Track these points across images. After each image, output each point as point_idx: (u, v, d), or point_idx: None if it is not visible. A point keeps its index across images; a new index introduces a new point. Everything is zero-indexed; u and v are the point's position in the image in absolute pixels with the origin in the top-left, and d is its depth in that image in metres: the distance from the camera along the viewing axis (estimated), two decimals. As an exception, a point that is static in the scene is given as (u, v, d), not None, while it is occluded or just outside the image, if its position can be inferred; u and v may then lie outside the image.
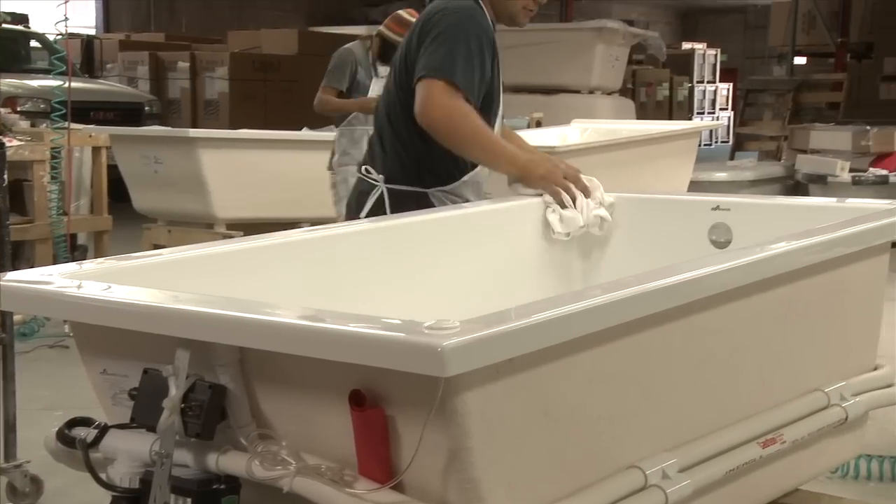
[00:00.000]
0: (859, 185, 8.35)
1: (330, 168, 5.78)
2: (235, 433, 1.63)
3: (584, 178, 2.85)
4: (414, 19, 5.81)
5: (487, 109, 2.84)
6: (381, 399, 1.51)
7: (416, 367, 1.39)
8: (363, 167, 2.98)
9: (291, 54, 11.69)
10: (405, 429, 1.50)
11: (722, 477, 1.89)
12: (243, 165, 6.57)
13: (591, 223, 2.82)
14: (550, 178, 2.81)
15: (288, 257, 2.39)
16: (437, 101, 2.66)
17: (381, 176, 2.90)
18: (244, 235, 2.61)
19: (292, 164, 6.29)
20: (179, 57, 11.71)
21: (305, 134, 6.84)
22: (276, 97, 11.28)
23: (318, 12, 16.93)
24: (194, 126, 10.81)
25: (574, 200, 2.79)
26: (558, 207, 2.83)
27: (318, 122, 5.94)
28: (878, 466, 3.74)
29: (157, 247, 5.89)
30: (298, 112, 7.58)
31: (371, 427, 1.51)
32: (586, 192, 2.81)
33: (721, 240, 2.75)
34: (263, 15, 16.08)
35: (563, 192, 2.79)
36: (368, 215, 2.88)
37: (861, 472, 3.72)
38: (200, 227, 6.63)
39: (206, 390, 1.59)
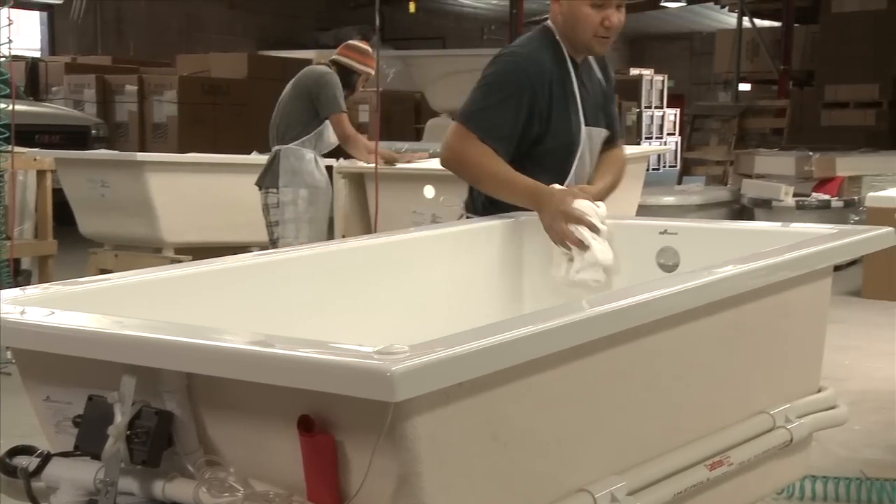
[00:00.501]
0: (803, 210, 8.49)
1: (265, 187, 5.64)
2: (182, 460, 1.61)
3: (593, 208, 2.70)
4: (367, 48, 5.83)
5: (556, 147, 2.90)
6: (330, 424, 1.50)
7: (365, 392, 1.39)
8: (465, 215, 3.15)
9: (241, 78, 11.65)
10: (354, 454, 1.49)
11: (670, 499, 1.91)
12: (192, 189, 6.52)
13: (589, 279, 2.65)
14: (553, 228, 2.72)
15: (237, 282, 2.38)
16: (449, 144, 2.92)
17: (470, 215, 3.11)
18: (193, 260, 2.59)
19: (242, 188, 6.25)
20: (127, 80, 11.62)
21: (255, 158, 6.81)
22: (225, 121, 11.22)
23: (267, 36, 16.92)
24: (142, 150, 10.72)
25: (581, 245, 2.66)
26: (569, 255, 2.73)
27: (267, 147, 5.90)
28: (823, 487, 3.78)
29: (103, 272, 5.82)
30: (248, 136, 7.56)
31: (320, 453, 1.50)
32: (594, 229, 2.66)
33: (669, 263, 2.78)
34: (212, 39, 16.04)
35: (567, 240, 2.67)
36: None
37: (806, 493, 3.76)
38: (148, 251, 6.57)
39: (152, 417, 1.57)
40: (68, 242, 6.99)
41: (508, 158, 2.87)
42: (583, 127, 2.92)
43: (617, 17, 2.82)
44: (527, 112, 2.84)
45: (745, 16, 13.49)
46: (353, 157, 5.77)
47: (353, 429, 1.49)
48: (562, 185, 2.84)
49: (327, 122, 5.59)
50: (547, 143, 2.89)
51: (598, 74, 3.03)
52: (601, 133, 3.03)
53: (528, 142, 2.89)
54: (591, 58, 2.97)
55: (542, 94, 2.84)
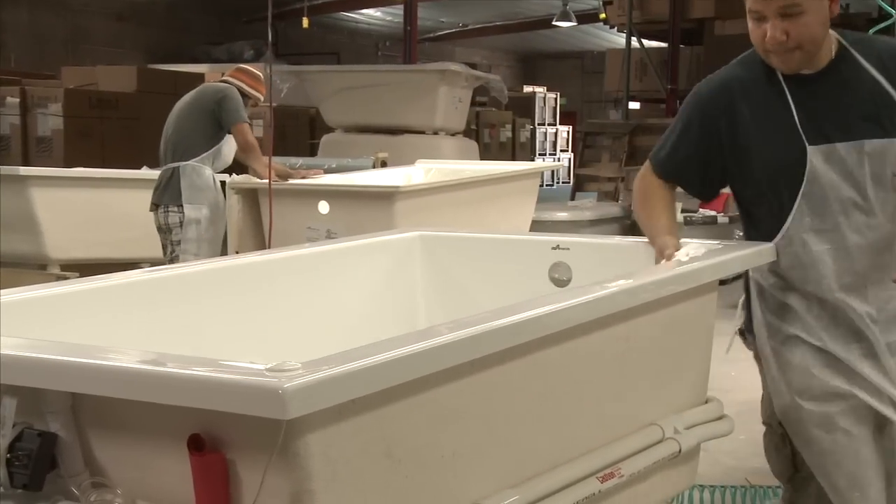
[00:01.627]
0: (690, 225, 8.70)
1: (164, 205, 5.55)
2: (67, 482, 1.57)
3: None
4: (258, 74, 5.79)
5: (765, 179, 2.51)
6: (221, 443, 1.47)
7: (256, 410, 1.37)
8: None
9: (130, 91, 11.42)
10: (246, 473, 1.47)
11: (563, 512, 1.92)
12: (79, 204, 6.36)
13: None
14: None
15: (126, 299, 2.32)
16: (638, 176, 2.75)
17: None
18: (80, 277, 2.52)
19: (131, 204, 6.12)
20: (8, 92, 11.26)
21: (146, 173, 6.68)
22: (114, 135, 10.97)
23: (157, 49, 16.61)
24: (26, 164, 10.41)
25: None
26: None
27: (157, 162, 5.79)
28: (710, 496, 3.87)
29: (-16, 289, 5.62)
30: (139, 150, 7.41)
31: (211, 472, 1.47)
32: None
33: (562, 278, 2.82)
34: (99, 51, 15.67)
35: None
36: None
37: (695, 501, 3.85)
38: (32, 268, 6.38)
39: (34, 439, 1.53)
40: (-53, 259, 6.74)
41: (693, 191, 2.66)
42: (807, 147, 2.43)
43: (776, 29, 2.37)
44: (701, 136, 2.56)
45: (633, 36, 13.80)
46: (245, 174, 5.71)
47: (244, 447, 1.47)
48: (777, 229, 2.48)
49: (226, 139, 5.55)
50: (754, 173, 2.52)
51: (877, 75, 2.46)
52: (872, 148, 2.44)
53: (725, 176, 2.59)
54: (863, 61, 2.47)
55: (720, 117, 2.52)
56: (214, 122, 5.52)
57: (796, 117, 2.44)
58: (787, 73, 2.46)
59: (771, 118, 2.47)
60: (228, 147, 5.61)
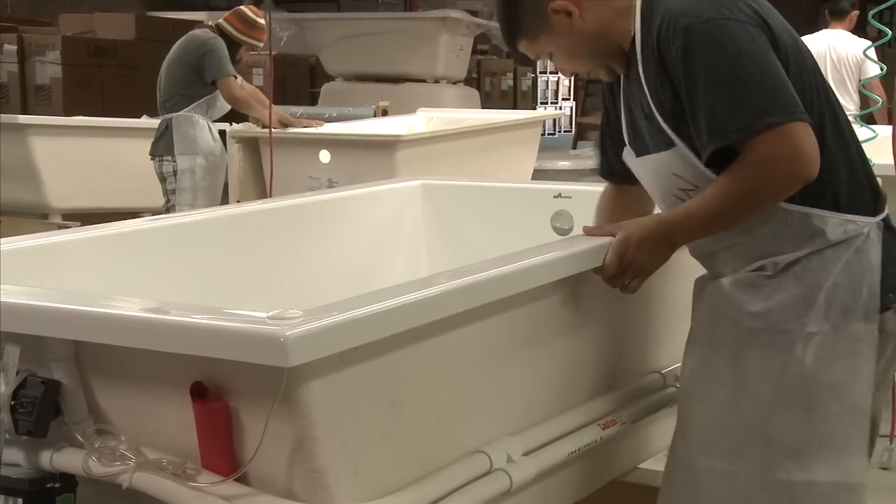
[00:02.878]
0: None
1: (159, 155, 5.52)
2: (71, 429, 1.58)
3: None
4: (256, 20, 5.71)
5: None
6: (223, 391, 1.48)
7: (258, 358, 1.37)
8: None
9: (129, 39, 11.33)
10: (249, 420, 1.48)
11: (565, 459, 1.94)
12: (79, 154, 6.33)
13: None
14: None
15: (128, 248, 2.33)
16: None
17: None
18: (81, 226, 2.52)
19: (132, 153, 6.09)
20: (5, 39, 11.17)
21: (145, 122, 6.65)
22: (113, 83, 10.90)
23: (156, -4, 16.46)
24: (24, 112, 10.36)
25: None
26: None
27: (156, 111, 5.76)
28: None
29: (-14, 238, 5.63)
30: (138, 99, 7.37)
31: (213, 419, 1.48)
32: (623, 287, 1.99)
33: (564, 227, 2.81)
34: (97, -1, 15.53)
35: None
36: None
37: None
38: (34, 217, 6.38)
39: (38, 386, 1.53)
40: (-53, 208, 6.74)
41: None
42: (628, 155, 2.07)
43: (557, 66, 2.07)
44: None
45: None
46: (245, 121, 5.68)
47: (247, 395, 1.47)
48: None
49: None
50: None
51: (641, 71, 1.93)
52: (660, 162, 1.96)
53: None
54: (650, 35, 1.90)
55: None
56: (200, 73, 5.48)
57: (622, 114, 2.06)
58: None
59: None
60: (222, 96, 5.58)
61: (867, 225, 1.86)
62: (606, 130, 2.17)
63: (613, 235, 1.93)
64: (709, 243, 1.98)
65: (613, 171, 2.18)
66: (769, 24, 1.85)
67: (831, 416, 1.85)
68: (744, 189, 1.82)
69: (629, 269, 1.93)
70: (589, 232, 2.01)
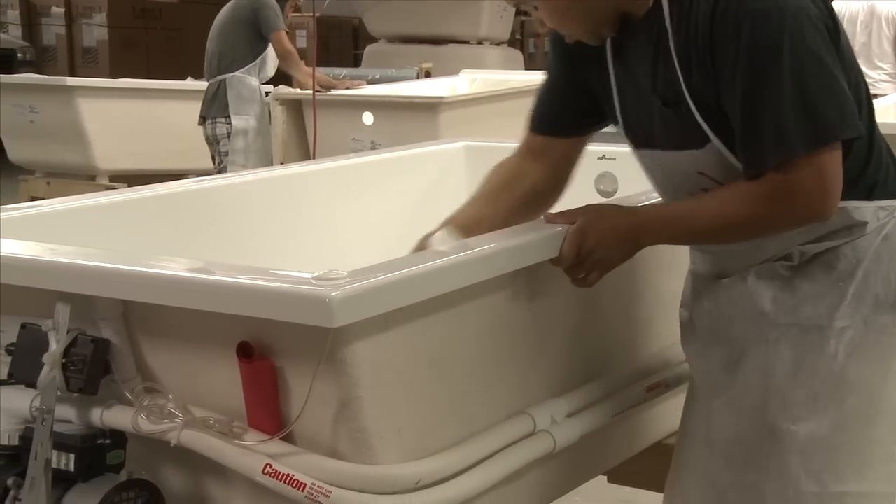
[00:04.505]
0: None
1: (212, 117, 5.55)
2: (120, 387, 1.60)
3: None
4: None
5: None
6: (269, 350, 1.49)
7: (304, 318, 1.38)
8: None
9: (174, 1, 11.37)
10: (294, 380, 1.49)
11: (609, 421, 1.94)
12: (126, 116, 6.38)
13: None
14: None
15: (174, 209, 2.35)
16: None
17: None
18: (128, 187, 2.55)
19: (178, 115, 6.14)
20: (53, 1, 11.26)
21: (190, 84, 6.68)
22: (158, 46, 10.96)
23: (201, -42, 16.44)
24: (72, 74, 10.45)
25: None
26: None
27: (202, 73, 5.78)
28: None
29: (35, 199, 5.70)
30: (183, 61, 7.41)
31: (260, 379, 1.50)
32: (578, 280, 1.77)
33: (608, 189, 2.79)
34: (144, -40, 15.54)
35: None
36: None
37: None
38: (82, 178, 6.45)
39: (88, 344, 1.55)
40: (-2, 170, 6.84)
41: None
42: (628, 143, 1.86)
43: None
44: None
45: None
46: (284, 84, 5.70)
47: (292, 354, 1.49)
48: None
49: (269, 48, 5.53)
50: None
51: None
52: (688, 159, 1.73)
53: None
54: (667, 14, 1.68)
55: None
56: (254, 31, 5.51)
57: (615, 92, 1.81)
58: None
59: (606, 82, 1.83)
60: (272, 56, 5.60)
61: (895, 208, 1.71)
62: (554, 91, 1.93)
63: (573, 222, 1.71)
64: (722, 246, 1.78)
65: (552, 123, 1.94)
66: (832, 11, 1.64)
67: (862, 419, 1.70)
68: (755, 213, 1.62)
69: (587, 260, 1.71)
70: (551, 220, 1.76)
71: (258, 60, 5.55)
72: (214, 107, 5.53)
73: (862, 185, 1.70)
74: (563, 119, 1.93)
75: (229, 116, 5.48)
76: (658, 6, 1.67)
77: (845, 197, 1.66)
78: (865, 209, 1.70)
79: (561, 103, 1.93)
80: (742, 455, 1.74)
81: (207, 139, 5.58)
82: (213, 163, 5.62)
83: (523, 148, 1.99)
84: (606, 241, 1.71)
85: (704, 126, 1.65)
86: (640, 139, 1.80)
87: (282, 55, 5.54)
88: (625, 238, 1.72)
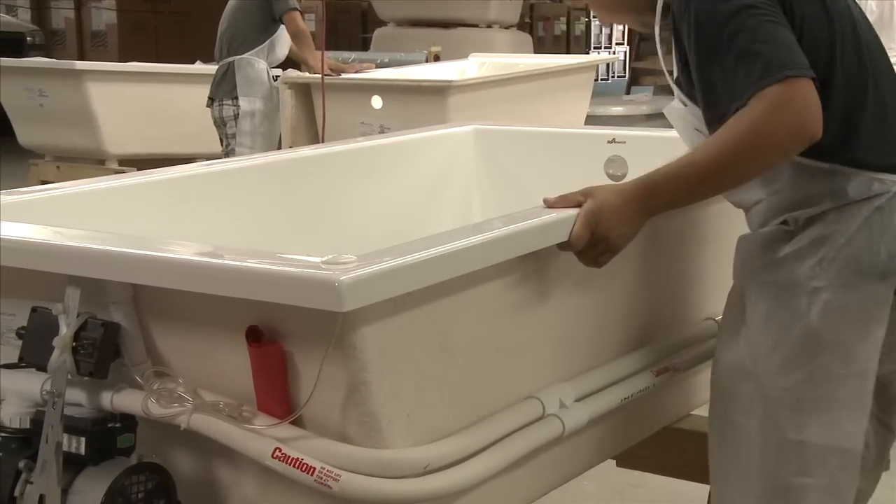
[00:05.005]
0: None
1: (220, 98, 5.54)
2: (130, 371, 1.61)
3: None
4: None
5: None
6: (278, 334, 1.49)
7: (313, 303, 1.38)
8: None
9: (182, -15, 11.36)
10: (304, 364, 1.49)
11: (617, 405, 1.94)
12: (135, 99, 6.39)
13: None
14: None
15: (183, 192, 2.35)
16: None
17: None
18: (137, 171, 2.55)
19: (187, 99, 6.14)
20: (62, -15, 11.27)
21: (199, 67, 6.68)
22: (167, 29, 10.97)
23: (209, -59, 16.41)
24: (81, 58, 10.46)
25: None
26: None
27: (211, 56, 5.78)
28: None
29: (44, 183, 5.72)
30: (191, 45, 7.42)
31: (269, 363, 1.50)
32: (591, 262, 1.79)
33: (617, 173, 2.79)
34: (152, -57, 15.51)
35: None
36: None
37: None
38: (91, 162, 6.46)
39: (98, 328, 1.56)
40: (7, 153, 6.85)
41: None
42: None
43: None
44: None
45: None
46: (293, 68, 5.69)
47: (302, 339, 1.49)
48: None
49: (280, 31, 5.52)
50: None
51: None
52: (686, 115, 1.93)
53: None
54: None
55: None
56: (266, 13, 5.50)
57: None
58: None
59: None
60: (282, 40, 5.59)
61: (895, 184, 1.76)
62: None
63: (580, 205, 1.74)
64: (737, 198, 1.90)
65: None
66: None
67: (832, 377, 1.76)
68: (747, 137, 1.66)
69: (601, 242, 1.73)
70: (552, 204, 1.77)
71: (267, 43, 5.53)
72: (222, 88, 5.52)
73: (852, 152, 1.76)
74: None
75: (237, 98, 5.47)
76: None
77: (834, 161, 1.76)
78: (854, 176, 1.76)
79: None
80: (729, 392, 1.88)
81: (215, 121, 5.58)
82: (221, 144, 5.62)
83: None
84: (617, 217, 1.73)
85: (680, 93, 1.86)
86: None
87: (295, 35, 5.53)
88: (634, 209, 1.75)
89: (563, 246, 1.73)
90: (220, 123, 5.55)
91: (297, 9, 5.51)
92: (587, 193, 1.76)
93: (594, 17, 19.79)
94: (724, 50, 1.69)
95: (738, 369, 1.85)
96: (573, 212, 1.72)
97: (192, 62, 6.98)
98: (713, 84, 1.73)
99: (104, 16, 10.94)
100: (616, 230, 1.73)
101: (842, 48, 1.77)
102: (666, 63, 1.91)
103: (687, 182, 1.75)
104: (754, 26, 1.68)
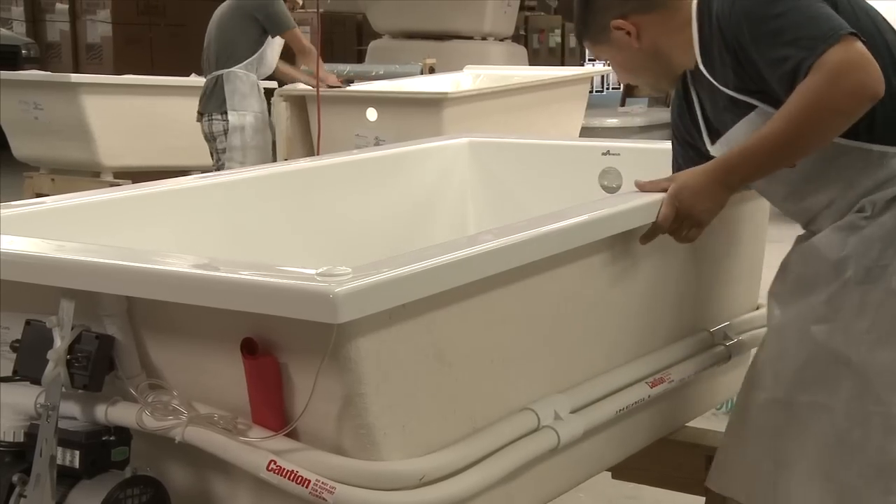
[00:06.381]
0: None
1: (209, 113, 5.49)
2: (125, 384, 1.60)
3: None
4: None
5: None
6: (273, 347, 1.49)
7: (308, 315, 1.38)
8: None
9: (178, -3, 11.38)
10: (299, 376, 1.49)
11: (613, 416, 1.94)
12: (130, 112, 6.39)
13: None
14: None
15: (179, 205, 2.35)
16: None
17: None
18: (132, 184, 2.55)
19: (181, 111, 6.14)
20: (58, -2, 11.29)
21: (194, 80, 6.69)
22: (162, 42, 10.97)
23: (205, -46, 16.43)
24: (76, 71, 10.46)
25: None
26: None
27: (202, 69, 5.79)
28: (760, 403, 3.87)
29: (39, 196, 5.71)
30: (187, 57, 7.42)
31: (264, 375, 1.50)
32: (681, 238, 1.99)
33: (612, 185, 2.79)
34: (148, -44, 15.53)
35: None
36: None
37: (744, 408, 3.85)
38: (86, 175, 6.46)
39: (92, 341, 1.56)
40: (1, 166, 6.85)
41: None
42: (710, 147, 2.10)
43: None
44: None
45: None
46: (289, 83, 5.69)
47: (296, 351, 1.49)
48: None
49: (268, 43, 5.50)
50: None
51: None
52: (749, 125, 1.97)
53: None
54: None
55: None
56: (258, 28, 5.47)
57: (699, 116, 2.11)
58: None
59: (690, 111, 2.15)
60: (271, 52, 5.57)
61: None
62: (676, 135, 2.23)
63: (665, 190, 1.95)
64: (806, 204, 1.98)
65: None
66: None
67: None
68: (813, 107, 1.78)
69: (687, 219, 1.93)
70: (642, 187, 2.01)
71: (256, 55, 5.50)
72: (212, 103, 5.48)
73: None
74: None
75: (226, 113, 5.43)
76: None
77: None
78: None
79: (682, 151, 2.21)
80: (814, 377, 1.91)
81: (205, 135, 5.55)
82: (212, 159, 5.60)
83: None
84: (703, 195, 1.92)
85: (747, 99, 1.92)
86: (715, 133, 2.06)
87: (301, 52, 5.52)
88: (720, 185, 1.92)
89: (653, 228, 1.93)
90: (210, 138, 5.52)
91: (295, 26, 5.49)
92: (672, 179, 1.96)
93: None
94: (778, 20, 1.82)
95: (827, 354, 1.89)
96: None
97: (188, 75, 6.98)
98: (784, 59, 1.81)
99: (99, 28, 10.95)
100: (699, 206, 1.92)
101: (874, 40, 1.85)
102: (721, 97, 1.98)
103: (761, 157, 1.88)
104: (803, 4, 1.82)
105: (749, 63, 1.89)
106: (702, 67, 1.99)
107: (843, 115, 1.81)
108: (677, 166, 2.20)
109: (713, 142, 2.07)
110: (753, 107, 1.94)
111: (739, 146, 1.92)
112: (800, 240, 2.04)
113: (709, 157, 2.08)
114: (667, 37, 2.03)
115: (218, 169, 5.43)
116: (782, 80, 1.84)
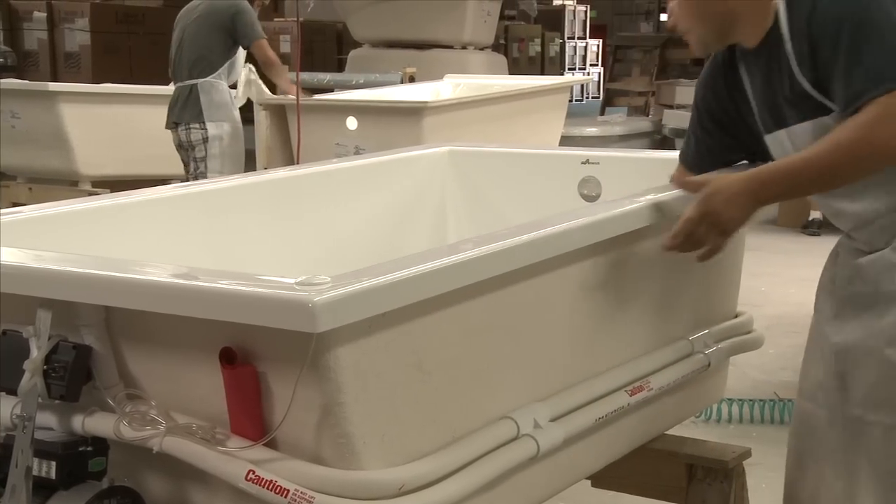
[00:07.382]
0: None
1: (186, 122, 5.46)
2: (102, 394, 1.59)
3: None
4: None
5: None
6: (252, 356, 1.49)
7: (287, 324, 1.38)
8: None
9: (156, 6, 11.34)
10: (277, 385, 1.49)
11: (592, 425, 1.94)
12: (108, 121, 6.37)
13: None
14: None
15: (158, 214, 2.34)
16: None
17: None
18: (110, 193, 2.54)
19: (160, 120, 6.12)
20: (35, 6, 11.21)
21: (173, 89, 6.67)
22: (141, 51, 10.92)
23: (184, -37, 16.39)
24: (54, 80, 10.40)
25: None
26: None
27: (184, 79, 5.77)
28: (738, 409, 3.90)
29: (16, 205, 5.68)
30: (165, 66, 7.40)
31: (242, 384, 1.49)
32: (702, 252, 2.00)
33: (592, 194, 2.80)
34: (126, -35, 15.48)
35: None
36: None
37: (723, 415, 3.88)
38: (64, 184, 6.43)
39: (69, 351, 1.55)
40: (-22, 175, 6.80)
41: None
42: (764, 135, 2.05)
43: (669, 11, 2.10)
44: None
45: (667, -54, 13.48)
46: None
47: (275, 360, 1.48)
48: None
49: (239, 52, 5.51)
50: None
51: (788, 48, 1.93)
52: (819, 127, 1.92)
53: None
54: (785, 29, 1.93)
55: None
56: (229, 37, 5.49)
57: (751, 96, 2.06)
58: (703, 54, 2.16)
59: (743, 91, 2.10)
60: (239, 61, 5.60)
61: None
62: (700, 119, 2.19)
63: (695, 190, 1.94)
64: (856, 211, 1.96)
65: (693, 160, 2.21)
66: None
67: None
68: (861, 144, 1.79)
69: (711, 225, 1.91)
70: (683, 185, 2.03)
71: (227, 64, 5.53)
72: (188, 112, 5.49)
73: None
74: (707, 158, 2.19)
75: (204, 122, 5.45)
76: (778, 18, 1.93)
77: None
78: None
79: (703, 139, 2.19)
80: (883, 397, 1.92)
81: (181, 145, 5.55)
82: (186, 169, 5.59)
83: (675, 177, 2.23)
84: (730, 203, 1.89)
85: (823, 100, 1.88)
86: (769, 123, 2.01)
87: (266, 64, 5.53)
88: (752, 198, 1.90)
89: (678, 227, 1.92)
90: (187, 147, 5.52)
91: (264, 37, 5.51)
92: (708, 181, 1.94)
93: (569, 38, 19.80)
94: (870, 37, 1.80)
95: (887, 371, 1.90)
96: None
97: (167, 83, 6.96)
98: (851, 79, 1.80)
99: (77, 37, 10.89)
100: (726, 214, 1.90)
101: None
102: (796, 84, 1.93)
103: (799, 180, 1.88)
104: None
105: (822, 65, 1.86)
106: (789, 48, 1.90)
107: (889, 159, 1.82)
108: (693, 154, 2.19)
109: (767, 130, 2.02)
110: (821, 106, 1.89)
111: (778, 163, 1.92)
112: (846, 253, 2.02)
113: (740, 141, 2.11)
114: (750, 2, 1.96)
115: (195, 178, 5.43)
116: (843, 98, 1.83)
